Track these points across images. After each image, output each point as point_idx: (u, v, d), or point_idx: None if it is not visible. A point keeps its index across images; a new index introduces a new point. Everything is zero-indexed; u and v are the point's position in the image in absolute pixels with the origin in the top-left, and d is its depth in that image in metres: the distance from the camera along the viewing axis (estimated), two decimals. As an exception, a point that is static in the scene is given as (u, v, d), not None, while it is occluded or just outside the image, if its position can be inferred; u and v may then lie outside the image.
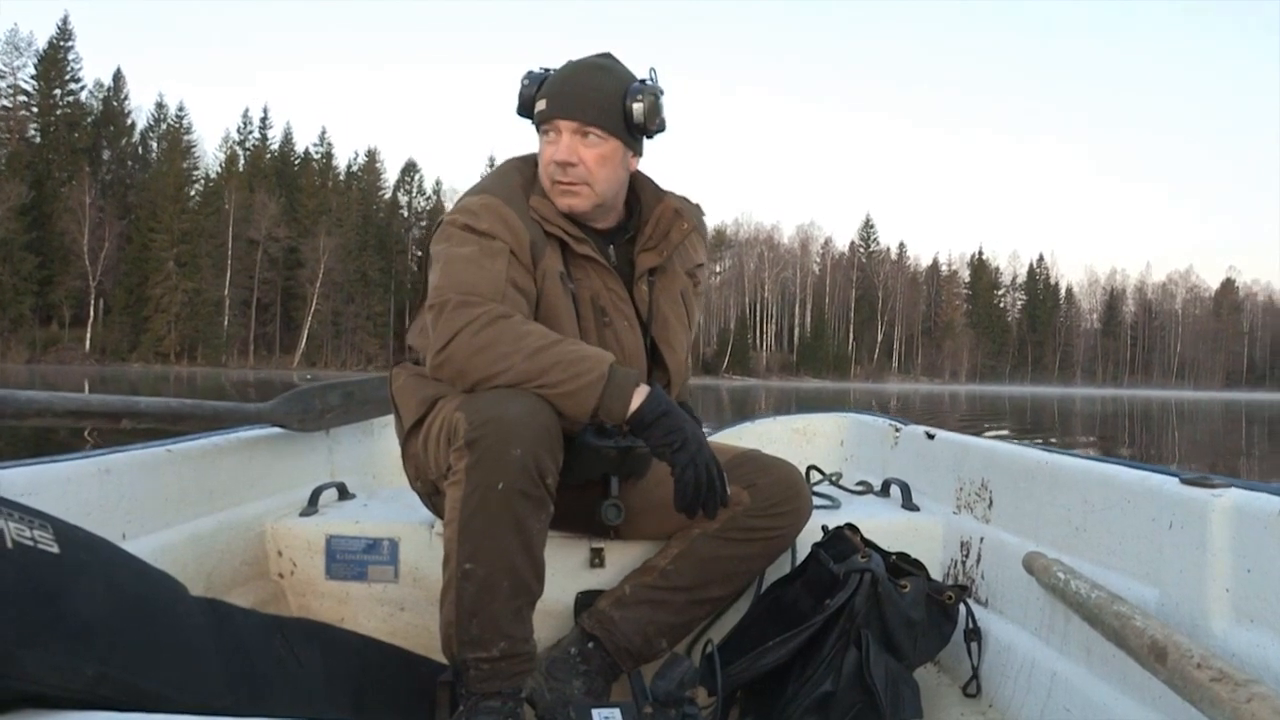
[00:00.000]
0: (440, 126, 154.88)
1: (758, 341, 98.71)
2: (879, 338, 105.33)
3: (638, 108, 1.69)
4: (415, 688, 1.53)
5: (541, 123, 1.69)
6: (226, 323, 73.43)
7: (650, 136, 1.76)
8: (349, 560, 2.00)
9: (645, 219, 1.80)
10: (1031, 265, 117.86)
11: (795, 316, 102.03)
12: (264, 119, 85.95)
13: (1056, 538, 1.65)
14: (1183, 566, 1.30)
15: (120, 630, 0.96)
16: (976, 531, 1.90)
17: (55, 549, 0.96)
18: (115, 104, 76.91)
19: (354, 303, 79.13)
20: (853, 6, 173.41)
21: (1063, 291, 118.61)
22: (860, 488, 2.37)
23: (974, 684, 1.70)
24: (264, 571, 2.03)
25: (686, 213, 1.82)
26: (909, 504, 2.15)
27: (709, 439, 1.64)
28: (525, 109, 1.74)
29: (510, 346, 1.51)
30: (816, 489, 2.22)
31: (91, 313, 69.16)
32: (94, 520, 1.58)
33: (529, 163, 1.78)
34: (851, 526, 1.77)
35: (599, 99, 1.67)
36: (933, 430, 2.31)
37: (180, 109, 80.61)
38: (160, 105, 79.48)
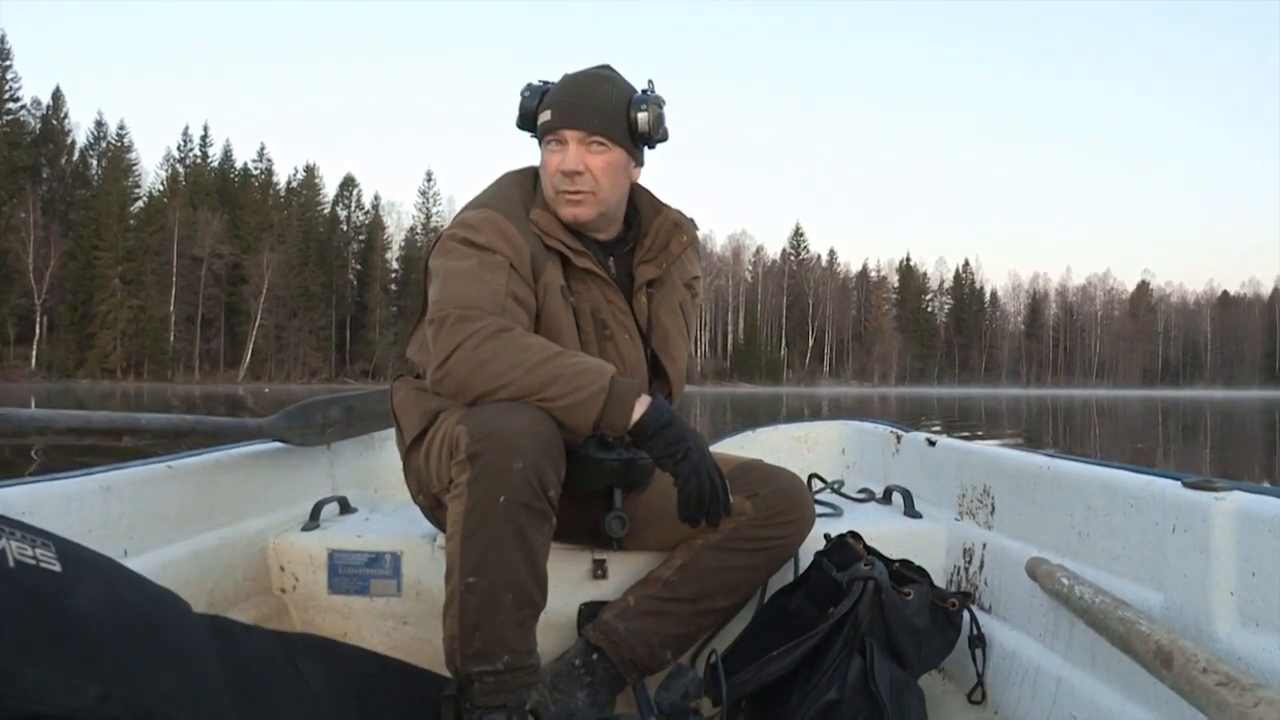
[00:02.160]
0: (376, 141, 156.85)
1: (693, 349, 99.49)
2: (810, 343, 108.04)
3: (642, 117, 1.69)
4: (419, 702, 1.53)
5: (546, 133, 1.69)
6: (172, 338, 74.82)
7: (652, 146, 1.77)
8: (351, 575, 1.99)
9: (644, 230, 1.81)
10: (958, 270, 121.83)
11: (728, 324, 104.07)
12: (204, 136, 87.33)
13: (1059, 543, 1.64)
14: (1187, 570, 1.30)
15: (124, 648, 0.96)
16: (979, 538, 1.90)
17: (57, 567, 0.96)
18: (55, 123, 77.77)
19: (297, 317, 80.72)
20: (779, 18, 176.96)
21: (988, 295, 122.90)
22: (862, 495, 2.37)
23: (979, 691, 1.70)
24: (266, 587, 2.02)
25: (685, 225, 1.83)
26: (911, 511, 2.15)
27: (710, 448, 1.64)
28: (527, 121, 1.74)
29: (511, 360, 1.51)
30: (818, 497, 2.22)
31: (37, 330, 69.99)
32: (95, 538, 1.57)
33: (527, 175, 1.78)
34: (854, 534, 1.77)
35: (605, 108, 1.68)
36: (934, 437, 2.31)
37: (121, 127, 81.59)
38: (100, 124, 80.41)
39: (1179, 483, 1.36)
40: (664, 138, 1.75)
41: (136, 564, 1.57)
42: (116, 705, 0.90)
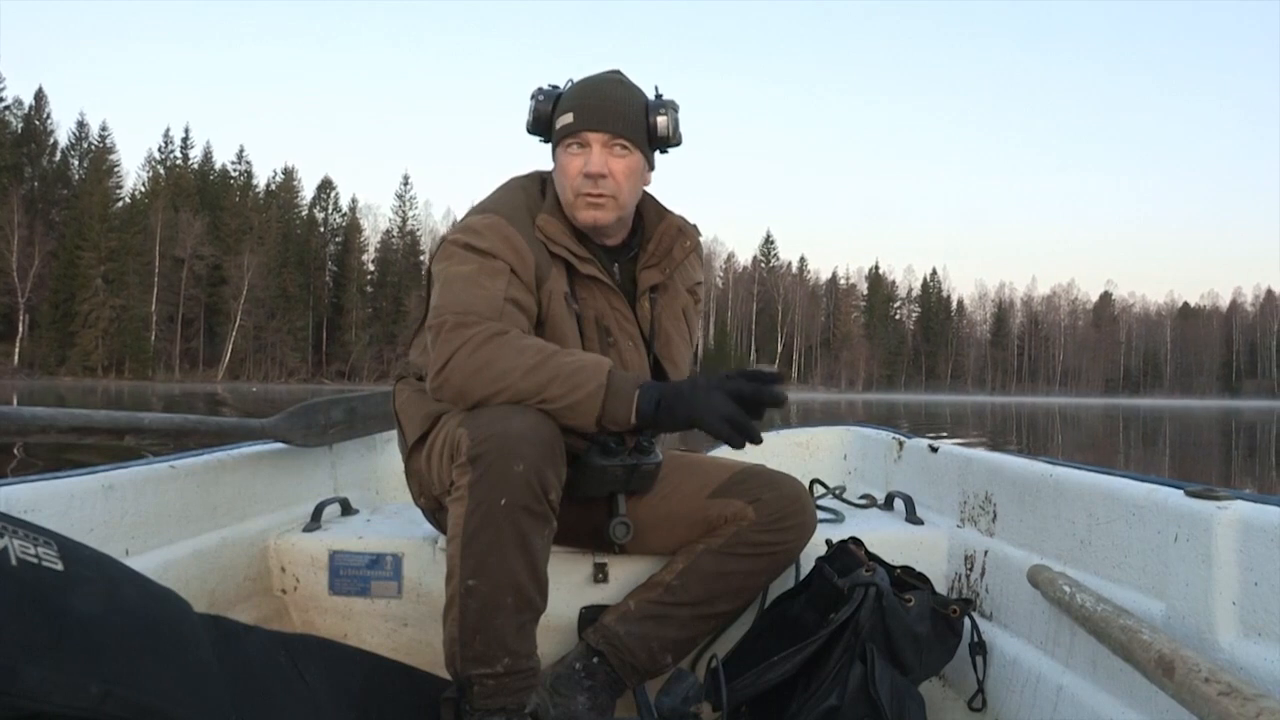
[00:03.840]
0: (353, 144, 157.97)
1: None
2: (779, 348, 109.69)
3: (662, 121, 1.70)
4: (419, 704, 1.53)
5: (566, 136, 1.68)
6: (153, 338, 76.37)
7: (665, 151, 1.77)
8: (352, 576, 1.99)
9: (648, 236, 1.81)
10: (925, 279, 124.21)
11: (699, 329, 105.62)
12: (185, 138, 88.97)
13: (1061, 551, 1.64)
14: (1189, 579, 1.29)
15: (125, 648, 0.96)
16: (981, 545, 1.90)
17: (59, 566, 0.96)
18: (37, 123, 79.25)
19: (275, 318, 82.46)
20: (750, 25, 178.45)
21: (954, 304, 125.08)
22: (864, 501, 2.37)
23: (979, 698, 1.70)
24: (267, 587, 2.02)
25: (688, 231, 1.83)
26: (913, 517, 2.15)
27: (710, 454, 1.64)
28: (541, 125, 1.73)
29: (508, 364, 1.51)
30: (820, 503, 2.21)
31: (20, 328, 71.34)
32: (97, 536, 1.58)
33: (534, 181, 1.78)
34: (856, 540, 1.77)
35: (627, 112, 1.68)
36: (936, 443, 2.30)
37: (103, 128, 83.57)
38: (82, 124, 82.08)
39: (1181, 491, 1.36)
40: (678, 142, 1.75)
41: (138, 563, 1.57)
42: (117, 704, 0.90)
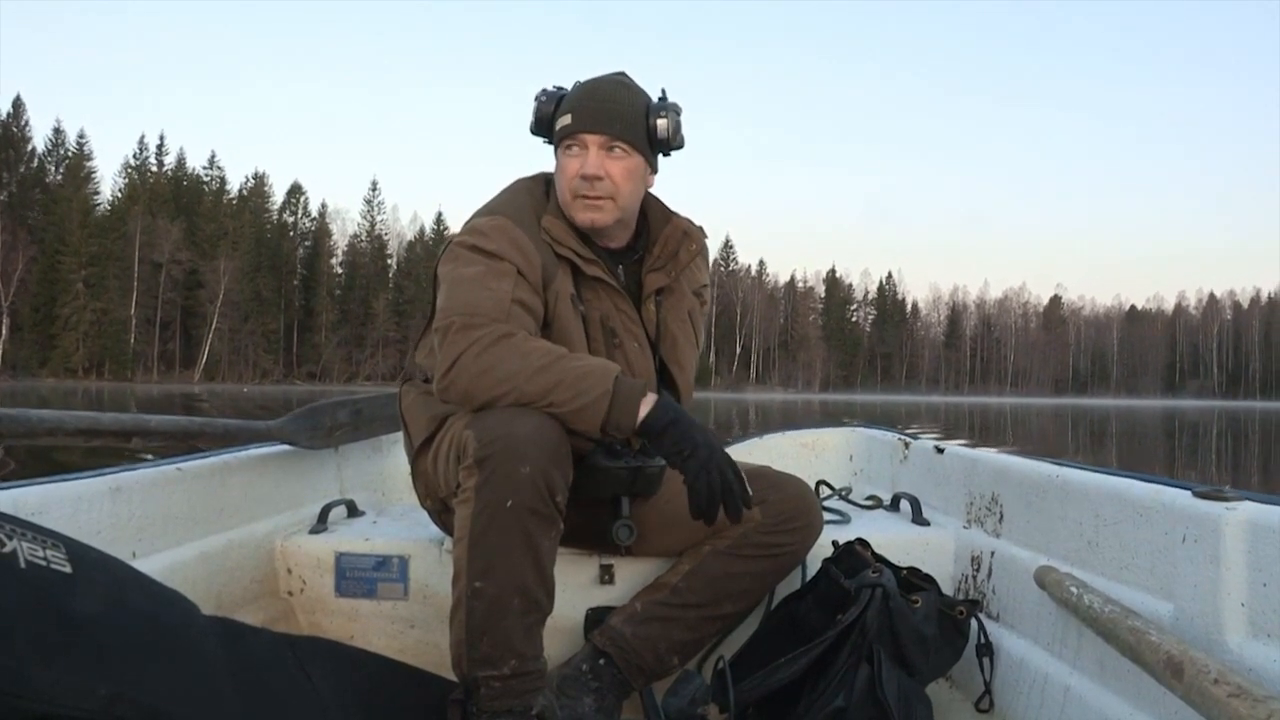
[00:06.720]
0: (323, 149, 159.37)
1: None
2: (738, 350, 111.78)
3: (662, 124, 1.69)
4: (426, 706, 1.53)
5: (565, 137, 1.68)
6: (133, 340, 78.37)
7: (668, 154, 1.76)
8: (359, 578, 1.99)
9: (653, 239, 1.81)
10: (881, 282, 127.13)
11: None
12: (160, 145, 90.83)
13: (1068, 552, 1.64)
14: (1197, 581, 1.29)
15: (133, 650, 0.96)
16: (987, 546, 1.90)
17: (68, 569, 0.96)
18: (15, 130, 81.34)
19: (249, 321, 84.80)
20: (705, 35, 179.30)
21: (909, 307, 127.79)
22: (870, 502, 2.37)
23: (986, 699, 1.69)
24: (274, 589, 2.03)
25: (694, 234, 1.83)
26: (919, 518, 2.14)
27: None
28: (543, 127, 1.73)
29: (514, 366, 1.51)
30: (826, 504, 2.21)
31: (3, 330, 73.48)
32: (104, 539, 1.58)
33: (539, 182, 1.78)
34: (862, 541, 1.77)
35: (626, 114, 1.68)
36: (942, 444, 2.30)
37: (81, 136, 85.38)
38: (58, 131, 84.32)
39: (1189, 492, 1.36)
40: (680, 145, 1.75)
41: (144, 565, 1.58)
42: (125, 706, 0.90)
